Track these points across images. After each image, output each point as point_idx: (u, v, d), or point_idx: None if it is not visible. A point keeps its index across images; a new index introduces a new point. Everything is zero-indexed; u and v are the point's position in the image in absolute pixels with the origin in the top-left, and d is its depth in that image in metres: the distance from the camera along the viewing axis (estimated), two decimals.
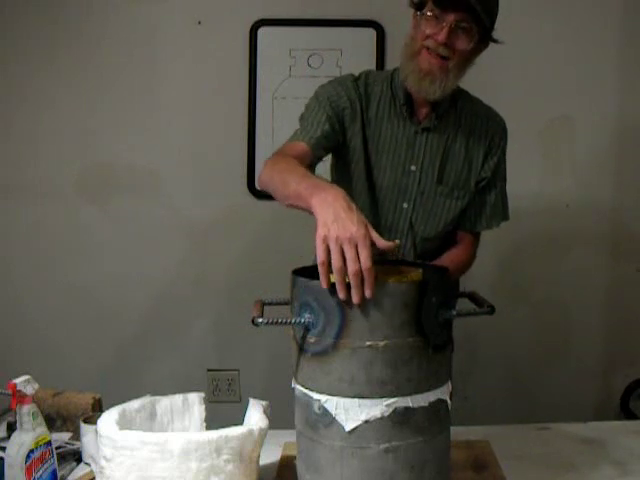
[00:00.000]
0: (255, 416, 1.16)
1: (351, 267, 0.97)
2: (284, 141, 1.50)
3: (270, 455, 1.31)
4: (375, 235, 1.02)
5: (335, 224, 1.00)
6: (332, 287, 1.00)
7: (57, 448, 1.24)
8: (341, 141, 1.53)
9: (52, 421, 1.41)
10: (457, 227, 1.63)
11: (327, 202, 1.05)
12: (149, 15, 2.45)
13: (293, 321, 1.05)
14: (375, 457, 1.03)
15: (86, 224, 2.52)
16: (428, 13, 1.38)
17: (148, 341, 2.55)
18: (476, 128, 1.57)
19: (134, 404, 1.22)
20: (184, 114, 2.49)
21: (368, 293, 0.98)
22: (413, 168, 1.55)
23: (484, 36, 1.41)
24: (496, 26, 1.42)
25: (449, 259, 1.54)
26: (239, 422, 1.16)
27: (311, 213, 1.09)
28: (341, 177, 1.57)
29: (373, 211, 1.56)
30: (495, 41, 1.43)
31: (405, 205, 1.57)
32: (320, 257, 1.00)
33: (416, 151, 1.54)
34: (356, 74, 1.58)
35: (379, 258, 1.07)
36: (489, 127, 1.58)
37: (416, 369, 1.03)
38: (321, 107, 1.50)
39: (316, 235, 1.01)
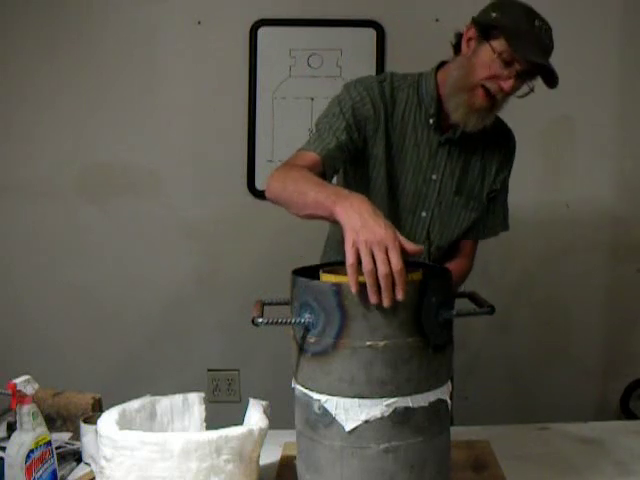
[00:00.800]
0: (255, 416, 1.16)
1: (382, 269, 0.97)
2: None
3: (270, 455, 1.31)
4: (403, 239, 1.02)
5: (364, 229, 1.00)
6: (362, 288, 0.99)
7: (57, 448, 1.24)
8: (360, 149, 1.49)
9: (52, 421, 1.41)
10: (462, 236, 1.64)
11: (352, 209, 1.04)
12: (149, 15, 2.45)
13: (293, 321, 1.05)
14: (375, 457, 1.03)
15: (86, 224, 2.52)
16: (500, 52, 1.36)
17: (148, 341, 2.55)
18: (491, 143, 1.57)
19: (134, 404, 1.22)
20: (184, 114, 2.49)
21: (400, 295, 0.98)
22: (434, 177, 1.54)
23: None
24: None
25: (455, 268, 1.53)
26: (239, 422, 1.16)
27: (332, 221, 1.09)
28: (357, 184, 1.52)
29: (392, 219, 1.52)
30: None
31: (424, 214, 1.56)
32: (350, 259, 0.99)
33: (438, 161, 1.53)
34: (380, 76, 1.53)
35: None
36: (503, 143, 1.60)
37: (416, 369, 1.03)
38: (342, 113, 1.45)
39: (345, 241, 1.01)
